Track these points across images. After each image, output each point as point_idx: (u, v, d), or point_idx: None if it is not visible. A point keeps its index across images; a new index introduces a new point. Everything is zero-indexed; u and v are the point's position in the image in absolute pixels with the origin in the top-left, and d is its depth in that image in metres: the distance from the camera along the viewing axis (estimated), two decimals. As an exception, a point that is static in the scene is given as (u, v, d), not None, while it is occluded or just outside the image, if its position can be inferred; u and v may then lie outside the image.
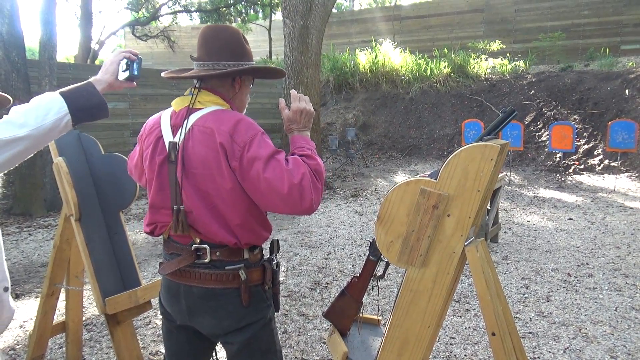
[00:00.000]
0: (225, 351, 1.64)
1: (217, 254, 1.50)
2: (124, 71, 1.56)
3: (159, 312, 1.72)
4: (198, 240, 1.51)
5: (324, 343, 3.18)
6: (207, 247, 1.50)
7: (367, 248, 1.80)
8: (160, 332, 3.26)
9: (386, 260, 1.63)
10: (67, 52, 24.47)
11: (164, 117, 1.57)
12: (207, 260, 1.50)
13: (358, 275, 1.79)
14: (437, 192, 1.43)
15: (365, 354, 1.69)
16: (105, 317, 2.27)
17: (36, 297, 3.89)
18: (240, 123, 1.44)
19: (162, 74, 1.67)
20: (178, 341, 1.67)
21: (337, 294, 1.85)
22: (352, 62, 13.47)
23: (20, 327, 3.47)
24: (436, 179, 1.45)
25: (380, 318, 1.95)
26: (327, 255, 5.01)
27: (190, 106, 1.52)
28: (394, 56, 13.31)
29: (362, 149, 11.50)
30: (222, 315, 1.53)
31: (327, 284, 4.19)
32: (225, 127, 1.42)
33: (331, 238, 5.64)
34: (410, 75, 12.73)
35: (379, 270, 1.80)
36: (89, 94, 1.47)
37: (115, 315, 2.26)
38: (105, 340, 3.24)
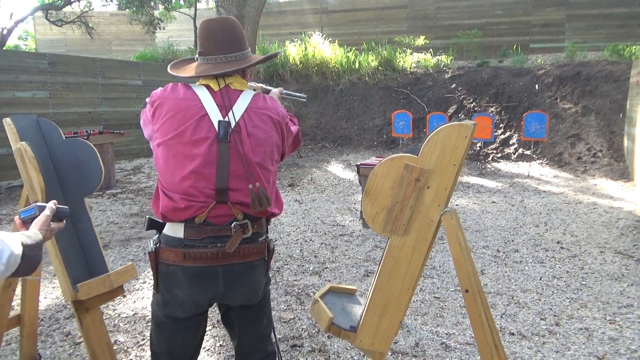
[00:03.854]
0: (235, 317, 1.78)
1: (255, 226, 1.63)
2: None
3: (161, 318, 1.67)
4: (241, 217, 1.58)
5: (284, 322, 3.29)
6: (248, 222, 1.60)
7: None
8: (114, 323, 3.22)
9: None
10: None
11: (203, 95, 1.59)
12: (249, 234, 1.60)
13: None
14: (419, 166, 1.60)
15: (348, 318, 1.83)
16: (73, 304, 2.22)
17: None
18: (279, 105, 1.80)
19: (170, 70, 1.83)
20: (185, 337, 1.71)
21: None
22: (282, 54, 13.51)
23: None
24: (417, 155, 1.61)
25: (355, 288, 2.10)
26: (274, 241, 5.09)
27: (231, 87, 1.67)
28: (323, 48, 13.53)
29: (295, 140, 11.61)
30: (256, 286, 1.68)
31: (279, 268, 4.29)
32: (275, 108, 1.73)
33: (275, 225, 5.73)
34: (339, 68, 13.01)
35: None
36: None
37: (83, 302, 2.22)
38: (57, 334, 3.13)
